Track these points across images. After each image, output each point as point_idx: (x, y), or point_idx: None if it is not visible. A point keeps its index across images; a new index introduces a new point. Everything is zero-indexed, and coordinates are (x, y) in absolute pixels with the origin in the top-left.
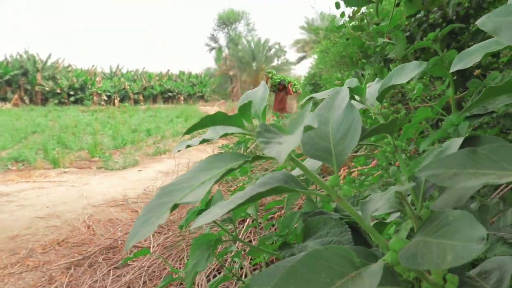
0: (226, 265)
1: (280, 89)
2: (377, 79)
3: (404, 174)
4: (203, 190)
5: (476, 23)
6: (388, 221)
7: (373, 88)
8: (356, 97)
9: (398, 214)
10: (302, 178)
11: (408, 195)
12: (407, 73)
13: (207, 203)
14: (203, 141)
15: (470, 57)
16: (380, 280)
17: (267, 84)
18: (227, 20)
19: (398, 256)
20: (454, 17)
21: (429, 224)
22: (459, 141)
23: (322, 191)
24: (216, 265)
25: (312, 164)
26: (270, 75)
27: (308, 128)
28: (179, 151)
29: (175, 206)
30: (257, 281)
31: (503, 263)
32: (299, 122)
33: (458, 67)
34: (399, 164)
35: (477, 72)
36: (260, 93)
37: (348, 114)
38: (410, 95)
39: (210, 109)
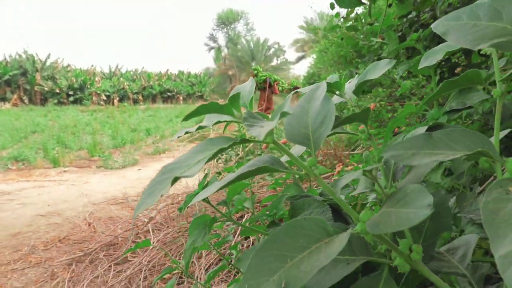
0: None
1: (266, 87)
2: (356, 75)
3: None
4: (198, 167)
5: (431, 26)
6: (368, 201)
7: (352, 84)
8: (336, 91)
9: (375, 196)
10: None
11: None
12: (380, 69)
13: (204, 187)
14: (199, 128)
15: (435, 55)
16: (355, 252)
17: None
18: (226, 20)
19: (366, 226)
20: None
21: (392, 198)
22: (423, 128)
23: (302, 171)
24: (215, 259)
25: (297, 151)
26: (256, 72)
27: (284, 114)
28: (179, 137)
29: (176, 179)
30: (247, 254)
31: (468, 240)
32: (279, 110)
33: (425, 64)
34: (373, 149)
35: (458, 69)
36: (248, 87)
37: (325, 106)
38: (397, 92)
39: None
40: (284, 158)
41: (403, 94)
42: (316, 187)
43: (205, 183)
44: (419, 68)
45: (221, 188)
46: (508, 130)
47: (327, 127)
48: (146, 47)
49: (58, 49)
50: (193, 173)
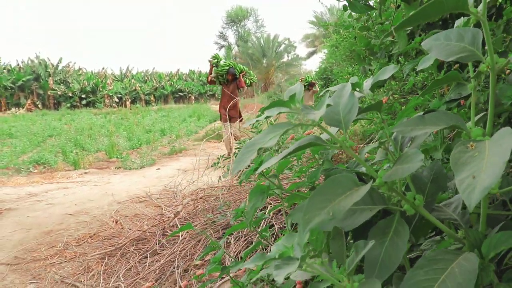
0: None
1: (230, 80)
2: (371, 76)
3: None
4: (273, 141)
5: (421, 44)
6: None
7: (368, 83)
8: (357, 89)
9: (388, 165)
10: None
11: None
12: (389, 72)
13: (260, 163)
14: (267, 117)
15: (428, 61)
16: (375, 202)
17: (210, 73)
18: (236, 18)
19: (382, 179)
20: (448, 16)
21: (399, 160)
22: (421, 113)
23: (337, 144)
24: (243, 246)
25: (333, 131)
26: (216, 61)
27: (328, 105)
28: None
29: (260, 149)
30: (296, 210)
31: (458, 197)
32: (322, 103)
33: (422, 67)
34: (385, 129)
35: (455, 66)
36: (298, 88)
37: (350, 99)
38: (405, 87)
39: None
40: (323, 136)
41: (415, 87)
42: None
43: (260, 161)
44: (417, 70)
45: (281, 159)
46: (483, 113)
47: (353, 114)
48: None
49: (58, 49)
50: (271, 145)
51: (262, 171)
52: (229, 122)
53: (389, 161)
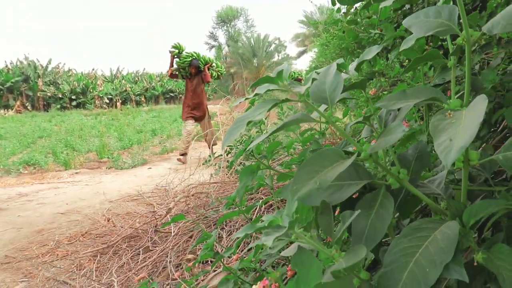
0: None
1: (193, 73)
2: (357, 58)
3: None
4: (261, 116)
5: (402, 23)
6: None
7: (353, 64)
8: (343, 70)
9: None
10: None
11: None
12: (373, 52)
13: (249, 144)
14: (256, 95)
15: (410, 41)
16: (361, 177)
17: (171, 65)
18: (226, 18)
19: (367, 152)
20: None
21: (383, 133)
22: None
23: (324, 120)
24: (236, 240)
25: (320, 109)
26: (176, 51)
27: (314, 80)
28: (240, 102)
29: (249, 123)
30: (285, 188)
31: (442, 174)
32: (309, 79)
33: (404, 47)
34: (369, 106)
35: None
36: (285, 67)
37: (336, 78)
38: (391, 74)
39: (214, 107)
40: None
41: (403, 78)
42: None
43: (251, 142)
44: (400, 50)
45: (272, 133)
46: (461, 92)
47: (338, 91)
48: (146, 47)
49: (58, 50)
50: (259, 118)
51: (252, 151)
52: (196, 122)
53: (375, 138)
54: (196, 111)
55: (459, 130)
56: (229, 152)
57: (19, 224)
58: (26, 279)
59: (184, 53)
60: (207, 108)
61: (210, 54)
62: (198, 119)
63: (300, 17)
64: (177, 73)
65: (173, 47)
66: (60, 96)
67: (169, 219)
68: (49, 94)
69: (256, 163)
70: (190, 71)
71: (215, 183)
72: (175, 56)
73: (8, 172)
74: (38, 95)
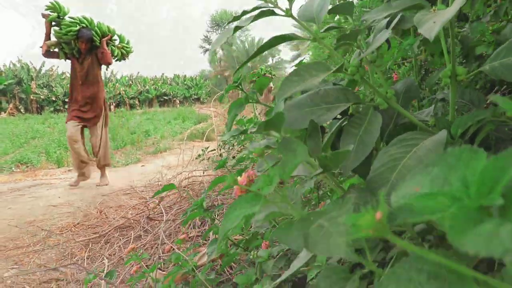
0: None
1: (83, 50)
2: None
3: None
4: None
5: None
6: None
7: None
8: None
9: None
10: None
11: None
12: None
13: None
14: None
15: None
16: (348, 99)
17: (47, 38)
18: (220, 21)
19: (353, 66)
20: None
21: (369, 45)
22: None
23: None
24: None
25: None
26: (55, 15)
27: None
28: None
29: (237, 29)
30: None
31: (430, 109)
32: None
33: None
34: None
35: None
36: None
37: (323, 0)
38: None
39: (207, 111)
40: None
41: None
42: None
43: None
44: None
45: (252, 57)
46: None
47: (324, 11)
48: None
49: None
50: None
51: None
52: (87, 126)
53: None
54: (88, 110)
55: (441, 14)
56: (222, 147)
57: (10, 215)
58: (17, 266)
59: (67, 18)
60: (105, 104)
61: (205, 58)
62: (89, 122)
63: (293, 21)
64: (56, 49)
65: (49, 8)
66: (54, 99)
67: (163, 210)
68: (42, 97)
69: (244, 96)
70: (79, 47)
71: (208, 175)
72: (53, 24)
73: (0, 170)
74: (31, 97)
